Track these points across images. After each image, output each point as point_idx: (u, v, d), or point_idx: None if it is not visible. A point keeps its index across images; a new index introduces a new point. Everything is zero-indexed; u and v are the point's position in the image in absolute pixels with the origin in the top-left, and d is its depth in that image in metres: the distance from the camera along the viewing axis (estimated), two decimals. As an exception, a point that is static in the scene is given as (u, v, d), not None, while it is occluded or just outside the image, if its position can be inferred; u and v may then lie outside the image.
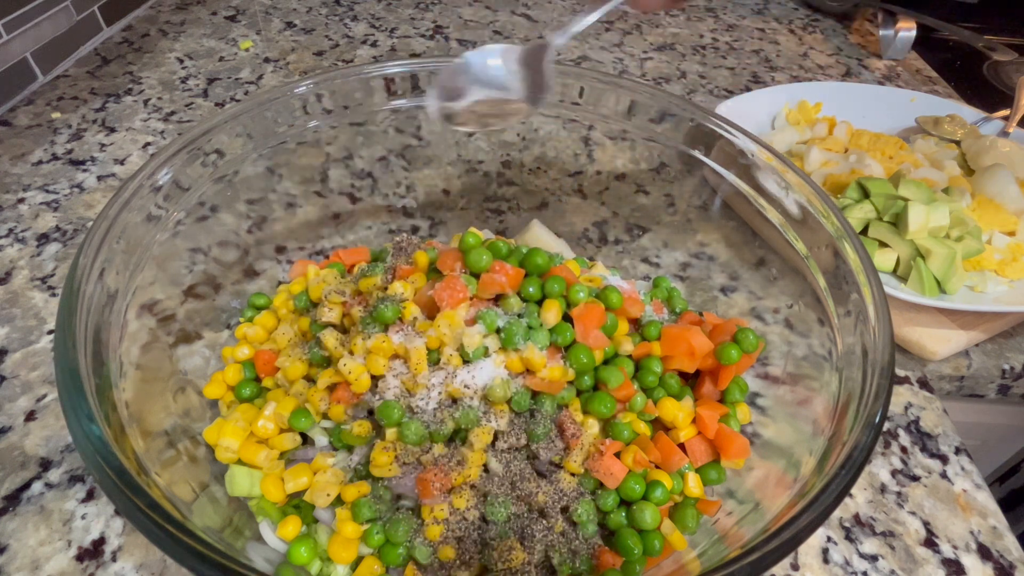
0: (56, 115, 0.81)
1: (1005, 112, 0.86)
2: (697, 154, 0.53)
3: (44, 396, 0.51)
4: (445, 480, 0.39)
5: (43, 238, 0.64)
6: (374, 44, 1.00)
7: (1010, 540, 0.48)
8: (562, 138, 0.65)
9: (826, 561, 0.46)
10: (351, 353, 0.42)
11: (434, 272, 0.46)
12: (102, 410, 0.33)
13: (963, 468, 0.52)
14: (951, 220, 0.62)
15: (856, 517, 0.49)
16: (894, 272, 0.63)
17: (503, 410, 0.41)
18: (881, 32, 1.11)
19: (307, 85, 0.52)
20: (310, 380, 0.46)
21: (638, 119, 0.55)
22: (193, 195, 0.47)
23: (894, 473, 0.52)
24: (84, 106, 0.83)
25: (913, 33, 1.08)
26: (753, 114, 0.81)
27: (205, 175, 0.48)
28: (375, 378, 0.42)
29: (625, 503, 0.42)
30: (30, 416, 0.50)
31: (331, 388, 0.43)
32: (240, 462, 0.42)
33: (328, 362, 0.45)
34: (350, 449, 0.42)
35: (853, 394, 0.37)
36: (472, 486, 0.40)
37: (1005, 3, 1.31)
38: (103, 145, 0.77)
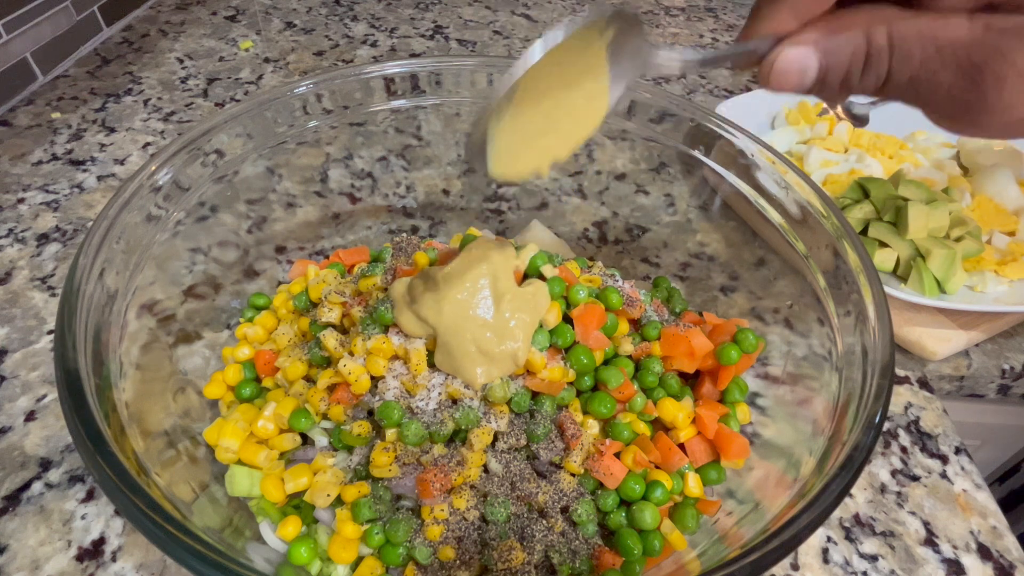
0: (56, 115, 0.81)
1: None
2: (697, 154, 0.53)
3: (44, 396, 0.51)
4: (445, 480, 0.39)
5: (43, 238, 0.64)
6: (374, 44, 1.00)
7: (1010, 540, 0.48)
8: (562, 138, 0.65)
9: (826, 561, 0.46)
10: (351, 354, 0.42)
11: (434, 272, 0.46)
12: (102, 410, 0.33)
13: (963, 468, 0.52)
14: (951, 220, 0.62)
15: (856, 517, 0.49)
16: (894, 272, 0.63)
17: (503, 411, 0.41)
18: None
19: (307, 85, 0.52)
20: (310, 380, 0.46)
21: (638, 119, 0.55)
22: (193, 195, 0.47)
23: (894, 473, 0.52)
24: (84, 106, 0.83)
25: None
26: (753, 114, 0.81)
27: (205, 175, 0.48)
28: (375, 379, 0.42)
29: (625, 503, 0.42)
30: (30, 416, 0.50)
31: (331, 388, 0.43)
32: (240, 462, 0.42)
33: (328, 362, 0.45)
34: (350, 449, 0.42)
35: (853, 394, 0.37)
36: (472, 486, 0.40)
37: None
38: (103, 145, 0.77)
